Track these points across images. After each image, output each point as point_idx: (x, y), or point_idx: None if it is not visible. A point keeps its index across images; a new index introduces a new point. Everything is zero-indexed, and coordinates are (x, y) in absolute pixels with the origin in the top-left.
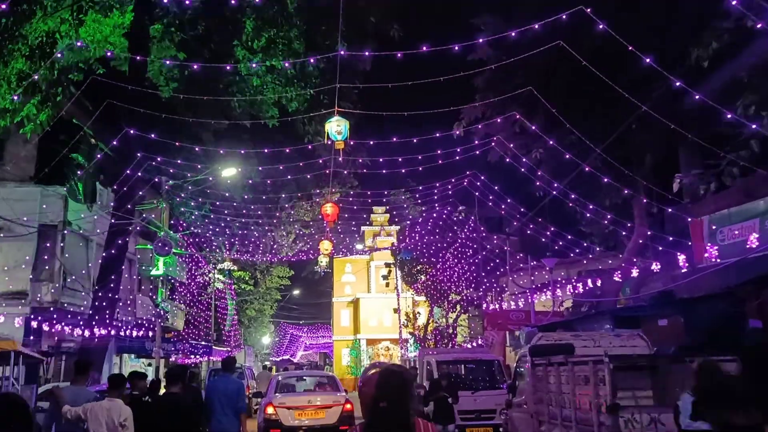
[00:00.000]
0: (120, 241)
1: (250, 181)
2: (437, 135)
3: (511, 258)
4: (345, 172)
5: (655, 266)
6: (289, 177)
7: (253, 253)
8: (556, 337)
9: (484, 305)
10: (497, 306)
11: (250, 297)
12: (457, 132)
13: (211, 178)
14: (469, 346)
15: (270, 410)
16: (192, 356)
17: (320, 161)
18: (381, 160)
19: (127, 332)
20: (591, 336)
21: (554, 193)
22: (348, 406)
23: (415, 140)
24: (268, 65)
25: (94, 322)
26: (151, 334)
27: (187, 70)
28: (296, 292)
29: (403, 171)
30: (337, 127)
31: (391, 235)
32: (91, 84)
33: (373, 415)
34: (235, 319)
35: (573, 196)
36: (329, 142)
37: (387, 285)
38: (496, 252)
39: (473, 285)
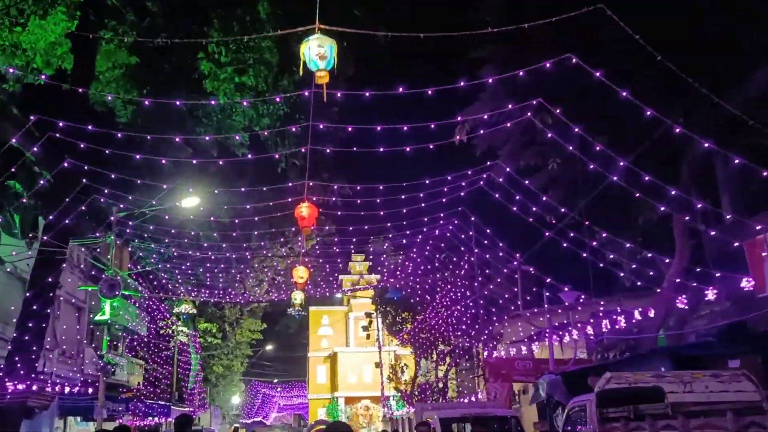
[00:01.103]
0: (49, 277)
1: (215, 218)
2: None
3: (522, 295)
4: (328, 150)
5: (748, 281)
6: (257, 218)
7: (218, 294)
8: (632, 380)
9: (485, 353)
10: (493, 354)
11: (218, 351)
12: (458, 139)
13: (162, 212)
14: (465, 401)
15: None
16: (148, 418)
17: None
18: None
19: (71, 390)
20: (679, 377)
21: (603, 195)
22: None
23: (408, 127)
24: (237, 82)
25: (2, 374)
26: (91, 391)
27: (146, 88)
28: (269, 347)
29: (382, 213)
30: (319, 50)
31: (371, 284)
32: (33, 102)
33: None
34: (200, 376)
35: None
36: (306, 94)
37: (368, 337)
38: (509, 281)
39: (472, 330)
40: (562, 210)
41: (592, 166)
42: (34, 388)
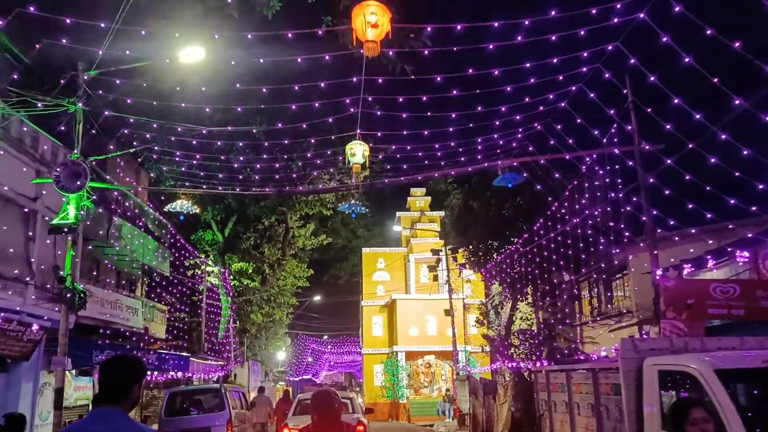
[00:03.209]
0: None
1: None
2: None
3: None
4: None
5: None
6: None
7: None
8: None
9: (658, 274)
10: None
11: (256, 297)
12: None
13: (159, 78)
14: (594, 356)
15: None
16: (156, 372)
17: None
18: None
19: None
20: None
21: None
22: (360, 428)
23: None
24: None
25: None
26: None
27: None
28: (317, 298)
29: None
30: None
31: (434, 222)
32: None
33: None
34: (233, 324)
35: None
36: None
37: (435, 279)
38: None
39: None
40: None
41: None
42: None
